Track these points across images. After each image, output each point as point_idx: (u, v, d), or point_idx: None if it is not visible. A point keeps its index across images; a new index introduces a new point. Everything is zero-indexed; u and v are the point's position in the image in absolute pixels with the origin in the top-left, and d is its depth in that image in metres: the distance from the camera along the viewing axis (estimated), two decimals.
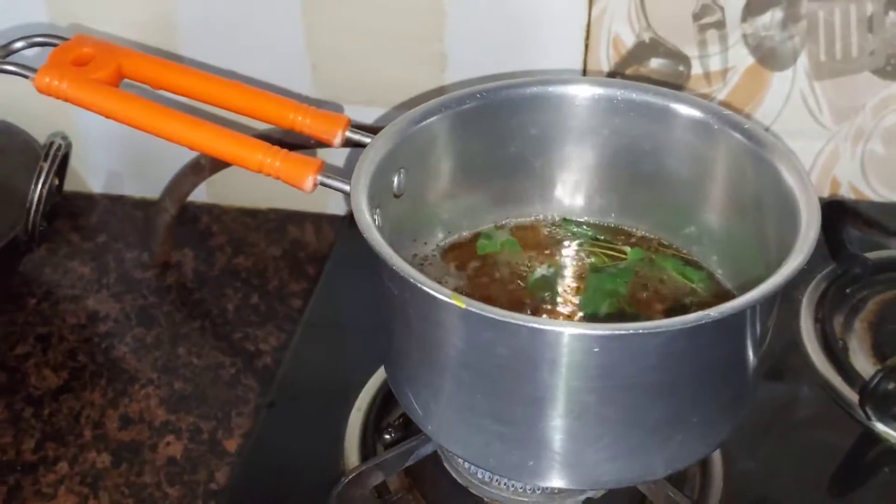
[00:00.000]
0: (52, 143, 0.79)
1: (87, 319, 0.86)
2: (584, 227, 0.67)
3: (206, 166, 0.84)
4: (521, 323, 0.45)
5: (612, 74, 0.83)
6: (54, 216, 0.85)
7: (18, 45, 0.58)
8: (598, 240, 0.67)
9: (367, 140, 0.58)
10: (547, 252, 0.66)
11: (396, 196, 0.60)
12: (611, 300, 0.61)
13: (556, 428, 0.50)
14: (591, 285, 0.62)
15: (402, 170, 0.60)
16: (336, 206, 0.94)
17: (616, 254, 0.66)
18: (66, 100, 0.56)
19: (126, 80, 0.59)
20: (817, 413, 0.68)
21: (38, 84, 0.56)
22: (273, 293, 0.87)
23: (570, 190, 0.66)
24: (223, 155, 0.55)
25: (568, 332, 0.46)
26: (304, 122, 0.58)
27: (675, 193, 0.63)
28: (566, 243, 0.66)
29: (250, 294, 0.87)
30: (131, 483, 0.71)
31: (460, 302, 0.46)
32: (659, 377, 0.48)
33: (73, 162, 0.92)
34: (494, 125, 0.63)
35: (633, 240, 0.67)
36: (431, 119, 0.60)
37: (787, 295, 0.75)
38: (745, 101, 0.82)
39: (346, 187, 0.54)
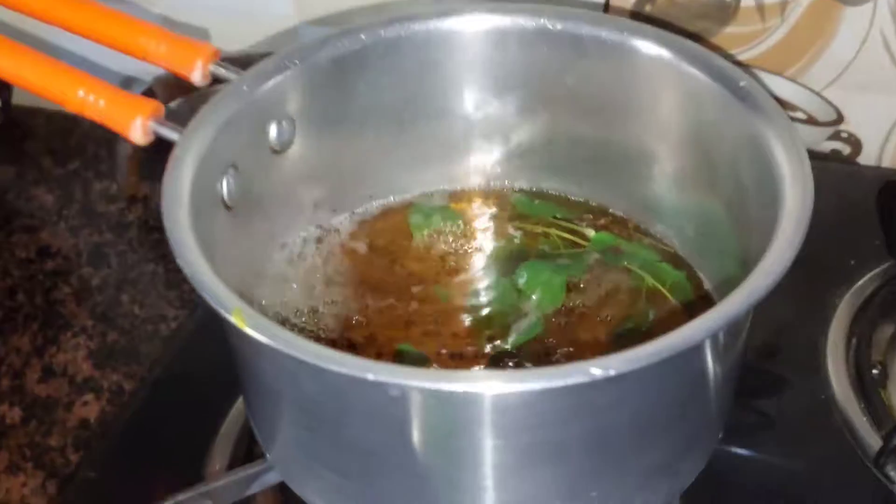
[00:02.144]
0: None
1: (36, 254, 0.79)
2: (538, 200, 0.53)
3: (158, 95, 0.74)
4: (305, 359, 0.32)
5: (639, 5, 0.67)
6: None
7: None
8: (557, 218, 0.52)
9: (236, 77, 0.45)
10: (483, 231, 0.52)
11: (276, 151, 0.47)
12: (544, 299, 0.47)
13: (396, 486, 0.37)
14: (526, 276, 0.48)
15: (282, 120, 0.47)
16: None
17: (575, 238, 0.51)
18: None
19: None
20: (827, 459, 0.51)
21: None
22: None
23: (513, 153, 0.52)
24: (34, 87, 0.44)
25: (372, 378, 0.32)
26: (158, 49, 0.46)
27: (633, 161, 0.49)
28: (506, 220, 0.52)
29: None
30: (35, 444, 0.64)
31: (241, 321, 0.33)
32: (505, 440, 0.34)
33: None
34: (397, 66, 0.49)
35: (601, 222, 0.52)
36: (319, 52, 0.47)
37: (818, 295, 0.58)
38: (807, 44, 0.64)
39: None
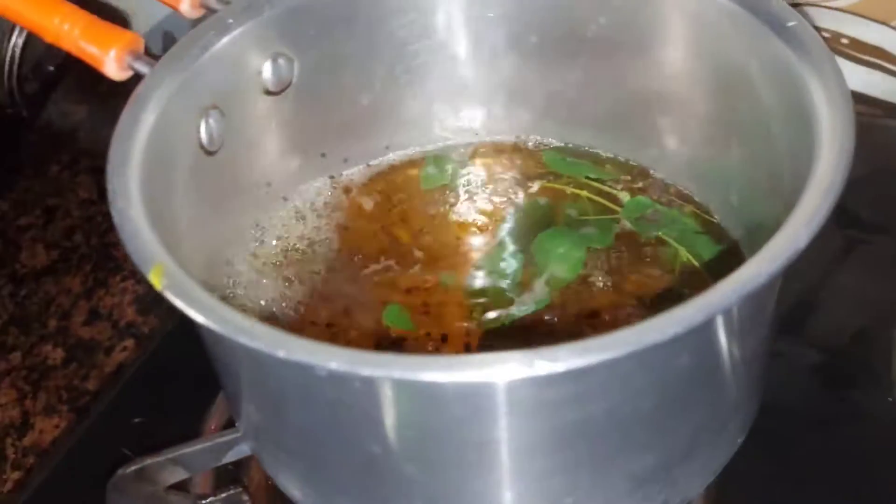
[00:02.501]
0: None
1: (98, 196, 0.79)
2: (571, 157, 0.47)
3: None
4: (216, 328, 0.28)
5: None
6: (58, 78, 0.76)
7: None
8: (590, 178, 0.46)
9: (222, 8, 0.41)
10: (504, 190, 0.46)
11: (272, 92, 0.43)
12: (558, 274, 0.41)
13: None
14: (542, 246, 0.42)
15: (278, 57, 0.43)
16: None
17: (608, 202, 0.45)
18: None
19: None
20: (888, 477, 0.44)
21: None
22: None
23: (545, 104, 0.46)
24: (10, 12, 0.41)
25: (283, 355, 0.28)
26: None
27: (671, 113, 0.43)
28: (533, 179, 0.46)
29: None
30: (73, 388, 0.64)
31: (158, 280, 0.30)
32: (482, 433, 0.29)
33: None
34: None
35: (639, 185, 0.45)
36: None
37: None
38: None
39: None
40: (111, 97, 0.87)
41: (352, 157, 0.48)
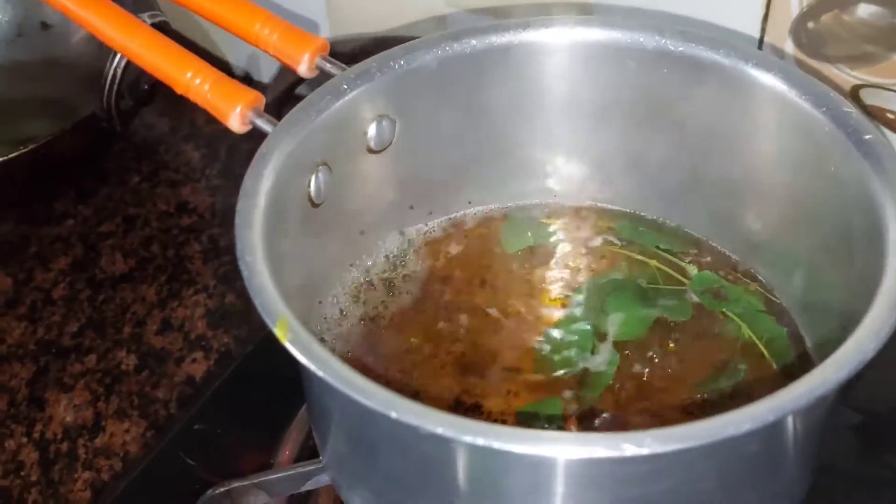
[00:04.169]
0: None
1: (175, 209, 0.82)
2: (642, 227, 0.50)
3: None
4: (337, 386, 0.32)
5: (801, 20, 0.61)
6: (150, 96, 0.79)
7: None
8: (659, 248, 0.49)
9: (338, 73, 0.45)
10: (577, 254, 0.49)
11: (374, 151, 0.47)
12: (624, 338, 0.44)
13: None
14: (614, 314, 0.45)
15: (382, 120, 0.46)
16: None
17: (676, 274, 0.48)
18: None
19: None
20: None
21: None
22: None
23: (621, 175, 0.50)
24: (146, 64, 0.45)
25: (394, 416, 0.31)
26: (271, 37, 0.46)
27: (741, 195, 0.46)
28: (605, 244, 0.49)
29: None
30: (143, 394, 0.67)
31: (283, 334, 0.33)
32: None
33: (216, 39, 0.86)
34: (505, 74, 0.48)
35: (707, 259, 0.48)
36: (426, 55, 0.46)
37: None
38: None
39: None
40: (193, 113, 0.91)
41: (436, 210, 0.52)
